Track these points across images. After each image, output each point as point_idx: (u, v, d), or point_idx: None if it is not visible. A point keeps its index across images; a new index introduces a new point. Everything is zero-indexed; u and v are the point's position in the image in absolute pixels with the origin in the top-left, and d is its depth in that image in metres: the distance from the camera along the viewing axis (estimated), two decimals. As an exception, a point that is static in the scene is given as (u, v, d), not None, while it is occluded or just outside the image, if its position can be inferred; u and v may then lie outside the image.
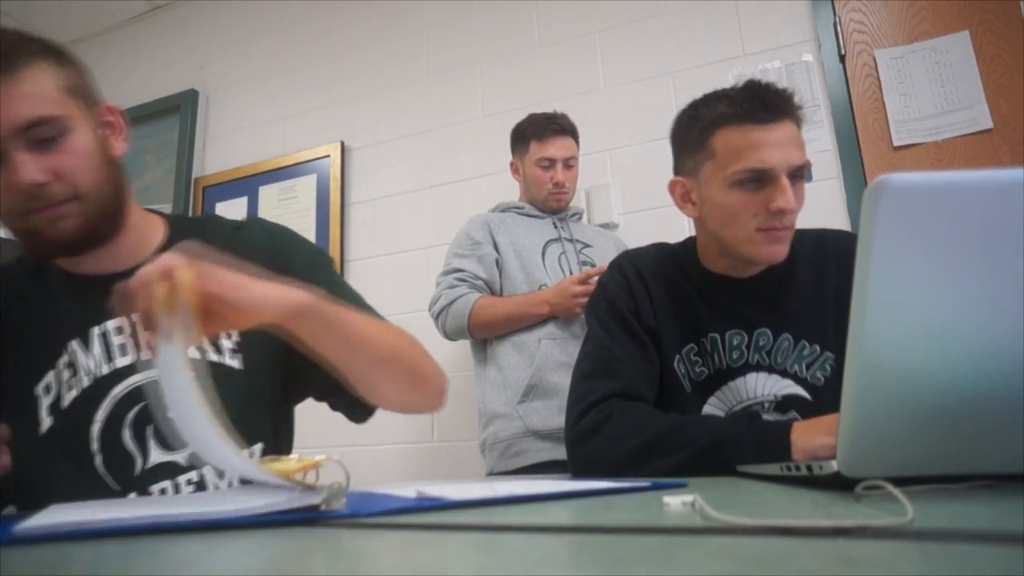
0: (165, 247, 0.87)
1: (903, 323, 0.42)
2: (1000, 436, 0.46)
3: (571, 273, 1.74)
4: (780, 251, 0.95)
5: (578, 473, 0.96)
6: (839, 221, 1.91)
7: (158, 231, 0.91)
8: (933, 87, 1.91)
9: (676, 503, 0.45)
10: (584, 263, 1.79)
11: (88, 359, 0.81)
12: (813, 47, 2.05)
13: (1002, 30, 1.88)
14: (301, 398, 0.97)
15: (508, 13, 2.48)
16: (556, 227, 1.83)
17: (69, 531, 0.41)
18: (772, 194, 0.92)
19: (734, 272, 1.04)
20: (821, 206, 1.93)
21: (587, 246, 1.85)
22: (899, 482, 0.42)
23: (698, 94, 1.01)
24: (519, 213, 1.85)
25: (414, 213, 2.47)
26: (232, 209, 2.76)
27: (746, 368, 1.01)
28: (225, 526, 0.43)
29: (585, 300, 1.58)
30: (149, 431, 0.81)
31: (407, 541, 0.38)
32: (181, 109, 2.96)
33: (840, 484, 0.49)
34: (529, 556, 0.31)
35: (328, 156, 2.64)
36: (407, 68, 2.61)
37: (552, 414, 1.59)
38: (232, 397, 0.73)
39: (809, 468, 0.58)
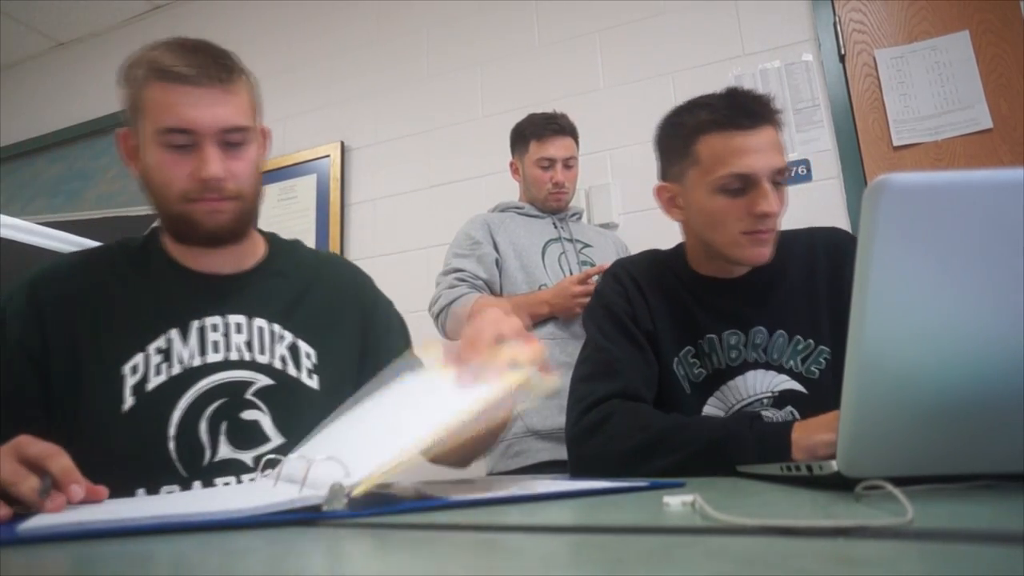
0: (266, 261, 0.98)
1: (903, 323, 0.42)
2: (1000, 436, 0.46)
3: (571, 273, 1.74)
4: (764, 253, 0.98)
5: (578, 472, 0.96)
6: (839, 221, 1.91)
7: (260, 245, 0.99)
8: (933, 87, 1.91)
9: (676, 503, 0.45)
10: (584, 263, 1.79)
11: (184, 349, 0.86)
12: (813, 47, 2.05)
13: (1002, 30, 1.88)
14: None
15: (508, 13, 2.48)
16: (556, 227, 1.83)
17: (71, 531, 0.41)
18: (755, 198, 0.94)
19: (723, 274, 1.06)
20: (821, 206, 1.94)
21: (587, 246, 1.85)
22: (899, 482, 0.41)
23: (698, 94, 1.02)
24: (519, 213, 1.85)
25: (414, 213, 2.47)
26: (232, 209, 2.76)
27: (745, 366, 1.02)
28: (226, 526, 0.43)
29: (585, 300, 1.58)
30: (223, 427, 0.85)
31: (407, 541, 0.38)
32: (181, 109, 2.96)
33: (840, 484, 0.49)
34: (529, 556, 0.31)
35: (328, 156, 2.64)
36: (407, 68, 2.61)
37: (552, 414, 1.59)
38: (306, 415, 0.83)
39: (809, 468, 0.58)
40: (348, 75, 2.71)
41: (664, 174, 1.07)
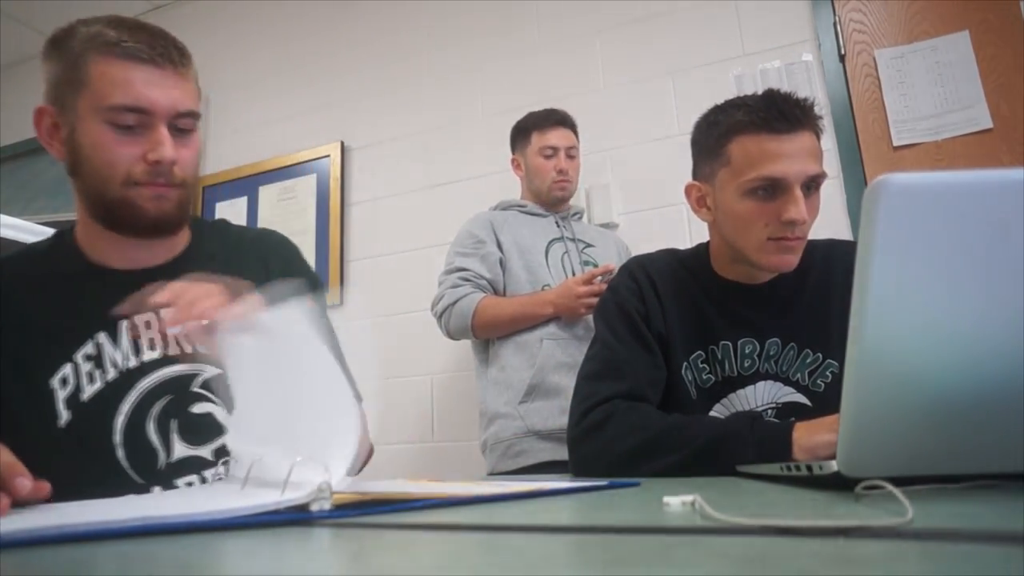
0: (192, 245, 0.94)
1: (903, 323, 0.42)
2: (1000, 436, 0.46)
3: (574, 273, 1.74)
4: (791, 260, 0.96)
5: (579, 472, 0.96)
6: (839, 221, 1.91)
7: (184, 234, 0.94)
8: (933, 87, 1.91)
9: (676, 503, 0.45)
10: (586, 263, 1.79)
11: (116, 352, 0.82)
12: (813, 47, 2.05)
13: (1002, 30, 1.88)
14: None
15: (508, 13, 2.48)
16: (559, 226, 1.83)
17: (51, 535, 0.39)
18: (784, 204, 0.92)
19: (745, 279, 1.04)
20: (821, 206, 1.93)
21: (589, 245, 1.85)
22: (899, 482, 0.41)
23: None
24: (521, 211, 1.85)
25: (414, 213, 2.47)
26: (232, 209, 2.76)
27: (756, 376, 1.01)
28: (212, 528, 0.42)
29: (589, 301, 1.58)
30: (173, 425, 0.82)
31: (407, 541, 0.38)
32: (181, 109, 2.95)
33: (840, 484, 0.49)
34: (529, 556, 0.31)
35: (328, 156, 2.64)
36: (407, 68, 2.61)
37: (553, 414, 1.59)
38: None
39: (809, 468, 0.58)
40: (348, 75, 2.71)
41: (696, 172, 1.05)
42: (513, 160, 1.94)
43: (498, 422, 1.66)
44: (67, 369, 0.81)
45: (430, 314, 1.80)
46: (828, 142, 1.98)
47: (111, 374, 0.82)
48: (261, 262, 0.96)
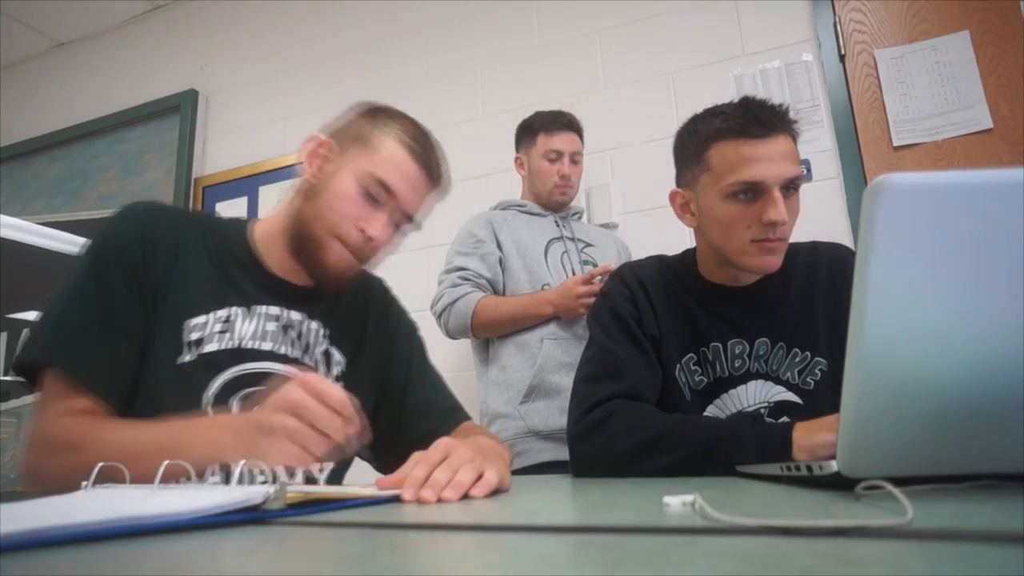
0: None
1: (903, 323, 0.42)
2: (1000, 436, 0.46)
3: (573, 272, 1.74)
4: (774, 261, 0.98)
5: (579, 471, 0.96)
6: (839, 221, 1.91)
7: None
8: (933, 87, 1.91)
9: (676, 503, 0.45)
10: (586, 262, 1.79)
11: (243, 327, 0.89)
12: (813, 47, 2.05)
13: (1002, 30, 1.88)
14: None
15: (508, 13, 2.48)
16: (558, 225, 1.83)
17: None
18: (764, 206, 0.95)
19: (732, 282, 1.06)
20: (821, 206, 1.93)
21: (589, 245, 1.85)
22: (899, 482, 0.41)
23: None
24: (521, 211, 1.85)
25: (414, 213, 2.47)
26: (232, 209, 2.76)
27: (747, 376, 1.03)
28: (168, 529, 0.41)
29: (589, 301, 1.58)
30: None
31: (405, 541, 0.38)
32: (181, 109, 2.96)
33: (840, 484, 0.49)
34: (529, 556, 0.31)
35: (328, 156, 2.64)
36: (407, 68, 2.61)
37: (554, 414, 1.59)
38: None
39: (809, 468, 0.58)
40: (348, 75, 2.71)
41: (679, 180, 1.09)
42: (517, 159, 1.93)
43: (498, 422, 1.66)
44: (202, 319, 0.86)
45: (429, 313, 1.80)
46: (828, 142, 1.99)
47: (231, 343, 0.87)
48: (375, 301, 1.08)
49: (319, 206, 0.90)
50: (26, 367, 0.79)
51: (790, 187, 0.96)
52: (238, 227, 0.97)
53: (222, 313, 0.88)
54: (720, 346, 1.03)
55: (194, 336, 0.85)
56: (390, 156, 0.91)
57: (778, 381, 1.03)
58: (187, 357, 0.84)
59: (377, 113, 0.97)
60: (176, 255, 0.88)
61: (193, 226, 0.93)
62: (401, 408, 1.02)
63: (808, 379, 1.02)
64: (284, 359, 0.91)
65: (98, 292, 0.81)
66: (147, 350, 0.83)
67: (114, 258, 0.83)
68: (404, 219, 0.95)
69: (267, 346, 0.90)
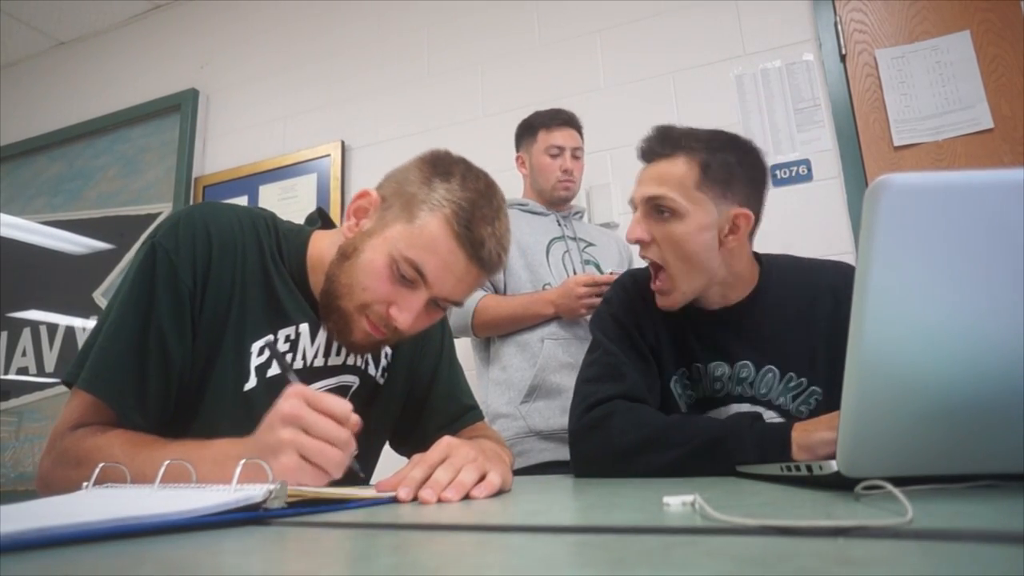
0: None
1: (903, 323, 0.42)
2: (1000, 436, 0.46)
3: (575, 272, 1.74)
4: (660, 301, 1.04)
5: (580, 470, 0.96)
6: (839, 221, 1.91)
7: None
8: (934, 87, 1.91)
9: (676, 503, 0.45)
10: (587, 262, 1.79)
11: (311, 346, 0.87)
12: (814, 47, 2.05)
13: (1003, 30, 1.88)
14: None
15: (508, 13, 2.48)
16: (560, 225, 1.83)
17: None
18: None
19: (705, 304, 1.05)
20: (821, 206, 1.94)
21: (590, 244, 1.84)
22: (899, 482, 0.41)
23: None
24: (522, 210, 1.85)
25: (414, 213, 2.47)
26: (232, 209, 2.76)
27: (728, 399, 1.02)
28: (168, 529, 0.41)
29: (589, 301, 1.58)
30: None
31: (405, 542, 0.38)
32: (181, 108, 2.96)
33: (840, 484, 0.49)
34: (529, 556, 0.31)
35: (328, 156, 2.64)
36: (407, 68, 2.61)
37: (554, 414, 1.59)
38: (368, 404, 0.88)
39: (809, 468, 0.58)
40: (348, 75, 2.71)
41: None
42: (518, 158, 1.94)
43: (499, 422, 1.66)
44: (269, 339, 0.84)
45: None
46: (829, 142, 1.99)
47: (299, 363, 0.86)
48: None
49: (349, 274, 0.82)
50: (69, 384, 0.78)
51: (659, 208, 1.03)
52: (300, 238, 0.94)
53: (288, 331, 0.85)
54: (702, 367, 1.04)
55: (259, 360, 0.82)
56: (432, 241, 0.80)
57: (769, 406, 1.01)
58: (251, 383, 0.82)
59: (435, 173, 0.87)
60: (234, 276, 0.83)
61: (252, 236, 0.88)
62: (427, 395, 1.03)
63: (802, 407, 1.00)
64: (352, 370, 0.90)
65: (145, 318, 0.77)
66: (206, 375, 0.80)
67: (166, 281, 0.78)
68: (445, 301, 0.85)
69: (336, 361, 0.89)
